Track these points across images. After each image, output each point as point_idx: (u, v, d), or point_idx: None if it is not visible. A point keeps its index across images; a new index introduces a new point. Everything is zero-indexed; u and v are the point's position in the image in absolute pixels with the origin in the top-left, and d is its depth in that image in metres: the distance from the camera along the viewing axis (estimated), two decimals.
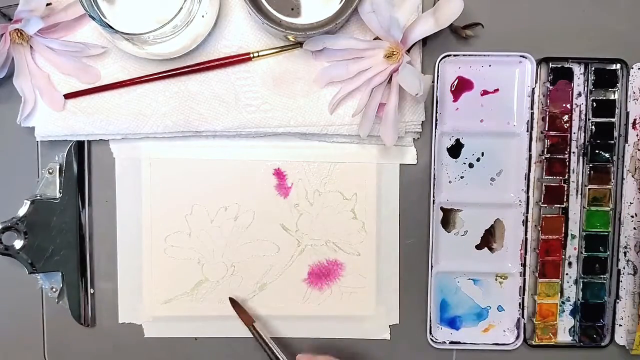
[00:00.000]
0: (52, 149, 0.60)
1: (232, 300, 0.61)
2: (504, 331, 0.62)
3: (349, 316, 0.62)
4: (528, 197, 0.60)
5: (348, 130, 0.59)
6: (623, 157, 0.60)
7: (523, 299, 0.61)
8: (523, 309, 0.61)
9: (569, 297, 0.61)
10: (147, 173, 0.61)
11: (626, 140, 0.60)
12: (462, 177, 0.61)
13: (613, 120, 0.59)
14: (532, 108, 0.59)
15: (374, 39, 0.57)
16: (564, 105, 0.59)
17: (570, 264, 0.61)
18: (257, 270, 0.62)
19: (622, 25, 0.60)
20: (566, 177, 0.59)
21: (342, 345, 0.62)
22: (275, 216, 0.61)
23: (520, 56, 0.59)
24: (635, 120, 0.60)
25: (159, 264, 0.61)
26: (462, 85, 0.60)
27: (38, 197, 0.60)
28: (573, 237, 0.61)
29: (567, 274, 0.61)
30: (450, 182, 0.61)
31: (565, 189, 0.60)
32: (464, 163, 0.60)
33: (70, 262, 0.60)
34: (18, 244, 0.60)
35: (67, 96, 0.58)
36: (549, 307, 0.60)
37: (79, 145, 0.60)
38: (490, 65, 0.59)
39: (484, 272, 0.61)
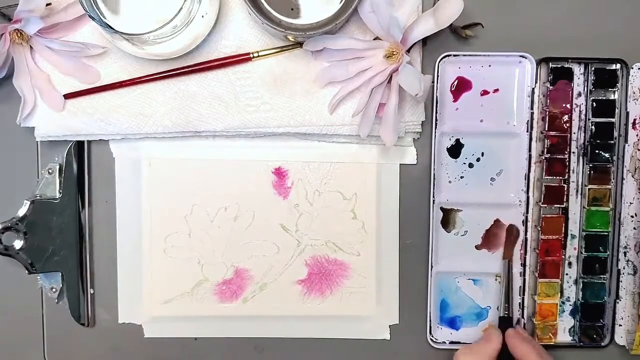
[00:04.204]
0: (52, 149, 0.60)
1: (510, 229, 0.60)
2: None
3: (349, 316, 0.62)
4: (528, 197, 0.60)
5: (348, 130, 0.59)
6: (623, 157, 0.60)
7: (523, 299, 0.61)
8: (523, 309, 0.61)
9: (569, 297, 0.61)
10: (147, 173, 0.61)
11: (626, 140, 0.60)
12: (462, 177, 0.61)
13: (613, 120, 0.59)
14: (532, 108, 0.59)
15: (374, 39, 0.57)
16: (564, 105, 0.59)
17: (570, 264, 0.61)
18: (257, 270, 0.62)
19: (622, 25, 0.60)
20: (566, 177, 0.59)
21: (342, 345, 0.62)
22: (275, 216, 0.61)
23: (520, 56, 0.59)
24: (635, 120, 0.60)
25: (158, 264, 0.61)
26: (462, 85, 0.60)
27: (38, 197, 0.60)
28: (573, 237, 0.61)
29: (567, 274, 0.61)
30: (450, 182, 0.61)
31: (565, 189, 0.60)
32: (464, 163, 0.60)
33: (70, 262, 0.60)
34: (18, 244, 0.60)
35: (67, 96, 0.58)
36: (549, 307, 0.60)
37: (79, 145, 0.60)
38: (490, 65, 0.59)
39: (484, 272, 0.61)
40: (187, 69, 0.58)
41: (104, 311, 0.62)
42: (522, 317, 0.61)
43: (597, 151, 0.60)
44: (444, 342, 0.61)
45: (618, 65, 0.59)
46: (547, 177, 0.59)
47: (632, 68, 0.59)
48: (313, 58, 0.58)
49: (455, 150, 0.60)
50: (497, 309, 0.61)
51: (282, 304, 0.62)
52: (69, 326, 0.62)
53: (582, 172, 0.60)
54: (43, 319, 0.62)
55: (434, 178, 0.60)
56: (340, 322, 0.62)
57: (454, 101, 0.60)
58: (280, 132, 0.59)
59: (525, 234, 0.60)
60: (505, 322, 0.60)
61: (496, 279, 0.61)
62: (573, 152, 0.60)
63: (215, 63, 0.58)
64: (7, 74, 0.58)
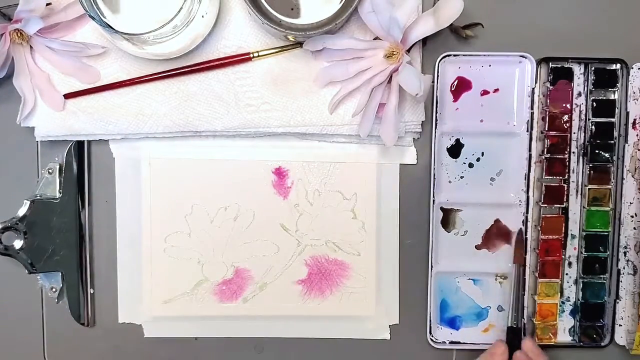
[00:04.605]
0: (52, 149, 0.60)
1: (520, 235, 0.60)
2: (504, 331, 0.61)
3: (349, 316, 0.62)
4: (528, 197, 0.60)
5: (348, 130, 0.59)
6: (623, 157, 0.60)
7: (523, 299, 0.61)
8: (523, 309, 0.61)
9: (569, 297, 0.61)
10: (147, 173, 0.61)
11: (626, 140, 0.60)
12: (462, 177, 0.61)
13: (613, 120, 0.59)
14: (532, 108, 0.59)
15: (374, 39, 0.57)
16: (564, 105, 0.59)
17: (570, 264, 0.61)
18: (257, 270, 0.62)
19: (622, 25, 0.60)
20: (566, 177, 0.59)
21: (342, 345, 0.62)
22: (275, 216, 0.61)
23: (520, 56, 0.59)
24: (635, 120, 0.60)
25: (159, 264, 0.61)
26: (462, 85, 0.60)
27: (38, 197, 0.60)
28: (573, 237, 0.61)
29: (567, 274, 0.61)
30: (450, 182, 0.61)
31: (565, 189, 0.60)
32: (464, 163, 0.60)
33: (70, 262, 0.60)
34: (18, 244, 0.60)
35: (67, 96, 0.58)
36: (549, 307, 0.60)
37: (79, 145, 0.60)
38: (490, 65, 0.59)
39: (484, 272, 0.61)
40: (187, 69, 0.58)
41: (104, 311, 0.62)
42: (522, 317, 0.61)
43: (597, 151, 0.60)
44: (444, 342, 0.61)
45: (618, 65, 0.59)
46: (547, 177, 0.59)
47: (632, 68, 0.59)
48: (313, 58, 0.58)
49: (455, 150, 0.60)
50: (497, 309, 0.61)
51: (282, 304, 0.62)
52: (69, 326, 0.62)
53: (582, 172, 0.60)
54: (43, 319, 0.62)
55: (434, 178, 0.60)
56: (340, 322, 0.62)
57: (454, 101, 0.60)
58: (280, 132, 0.59)
59: (525, 234, 0.60)
60: (513, 333, 0.59)
61: (496, 279, 0.61)
62: (573, 152, 0.60)
63: (215, 63, 0.58)
64: (7, 74, 0.58)
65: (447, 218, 0.61)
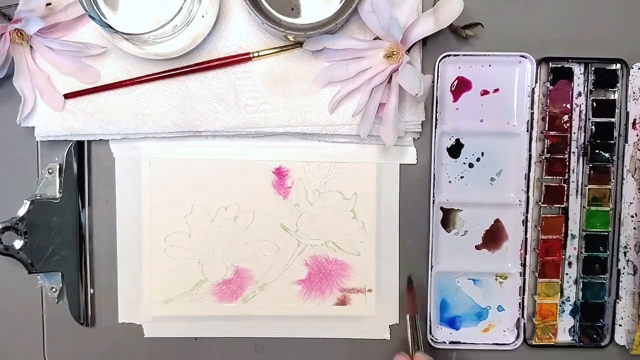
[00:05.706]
0: (52, 149, 0.60)
1: (410, 281, 0.60)
2: (504, 331, 0.62)
3: (349, 316, 0.62)
4: (528, 197, 0.60)
5: (348, 130, 0.59)
6: (623, 157, 0.60)
7: (523, 299, 0.61)
8: (523, 309, 0.61)
9: (569, 297, 0.61)
10: (147, 173, 0.61)
11: (626, 140, 0.60)
12: (462, 177, 0.61)
13: (613, 120, 0.59)
14: (532, 108, 0.59)
15: (374, 39, 0.57)
16: (564, 105, 0.59)
17: (570, 264, 0.61)
18: (257, 270, 0.62)
19: (622, 25, 0.60)
20: (566, 177, 0.59)
21: (342, 345, 0.62)
22: (275, 216, 0.61)
23: (520, 56, 0.59)
24: (635, 120, 0.60)
25: (159, 264, 0.61)
26: (462, 85, 0.60)
27: (38, 197, 0.60)
28: (573, 237, 0.61)
29: (567, 274, 0.61)
30: (450, 182, 0.61)
31: (565, 189, 0.60)
32: (464, 163, 0.60)
33: (70, 262, 0.60)
34: (18, 244, 0.60)
35: (67, 96, 0.58)
36: (549, 307, 0.60)
37: (79, 145, 0.60)
38: (490, 65, 0.59)
39: (484, 272, 0.61)
40: (187, 69, 0.58)
41: (104, 311, 0.62)
42: (522, 317, 0.61)
43: (597, 151, 0.60)
44: (444, 342, 0.61)
45: (618, 65, 0.59)
46: (547, 177, 0.59)
47: (632, 68, 0.59)
48: (313, 58, 0.58)
49: (455, 150, 0.60)
50: (497, 309, 0.61)
51: (282, 304, 0.62)
52: (69, 326, 0.62)
53: (582, 172, 0.60)
54: (43, 319, 0.62)
55: (434, 178, 0.60)
56: (340, 322, 0.62)
57: (454, 101, 0.60)
58: (280, 132, 0.59)
59: (525, 234, 0.60)
60: None
61: (496, 279, 0.61)
62: (573, 152, 0.60)
63: (215, 63, 0.58)
64: (7, 74, 0.58)
65: (447, 218, 0.61)
